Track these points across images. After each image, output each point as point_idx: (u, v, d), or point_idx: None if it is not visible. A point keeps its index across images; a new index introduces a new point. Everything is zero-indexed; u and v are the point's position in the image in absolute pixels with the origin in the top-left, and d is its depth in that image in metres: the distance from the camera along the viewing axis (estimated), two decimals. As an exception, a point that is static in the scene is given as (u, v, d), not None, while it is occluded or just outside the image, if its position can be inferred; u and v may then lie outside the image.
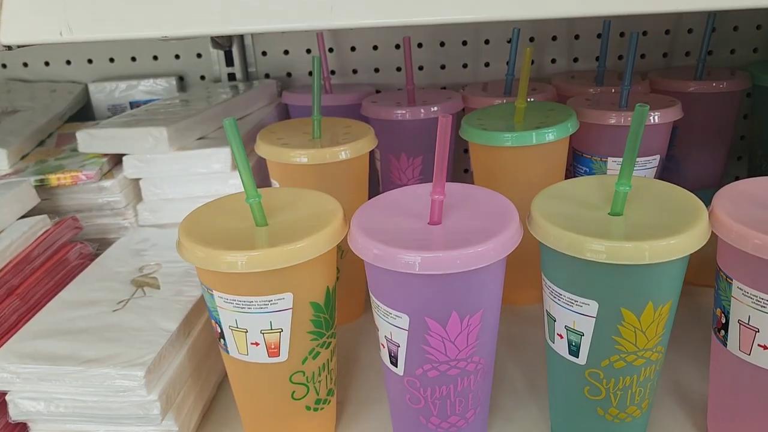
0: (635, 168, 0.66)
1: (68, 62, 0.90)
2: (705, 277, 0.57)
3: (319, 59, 0.62)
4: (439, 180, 0.42)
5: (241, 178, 0.44)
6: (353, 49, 0.88)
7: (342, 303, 0.59)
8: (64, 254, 0.59)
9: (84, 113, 0.89)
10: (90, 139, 0.67)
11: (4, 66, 0.91)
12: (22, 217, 0.60)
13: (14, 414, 0.46)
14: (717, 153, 0.80)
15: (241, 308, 0.43)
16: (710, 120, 0.78)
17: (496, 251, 0.40)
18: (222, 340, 0.45)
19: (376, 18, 0.35)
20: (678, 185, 0.46)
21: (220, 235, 0.43)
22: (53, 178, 0.65)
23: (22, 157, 0.72)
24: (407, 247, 0.40)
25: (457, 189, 0.47)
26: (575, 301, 0.42)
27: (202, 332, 0.53)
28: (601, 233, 0.40)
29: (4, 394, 0.47)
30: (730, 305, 0.42)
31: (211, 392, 0.55)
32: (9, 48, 0.36)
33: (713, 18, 0.77)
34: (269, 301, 0.42)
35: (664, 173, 0.82)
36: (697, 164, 0.80)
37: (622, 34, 0.86)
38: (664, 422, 0.51)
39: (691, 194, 0.44)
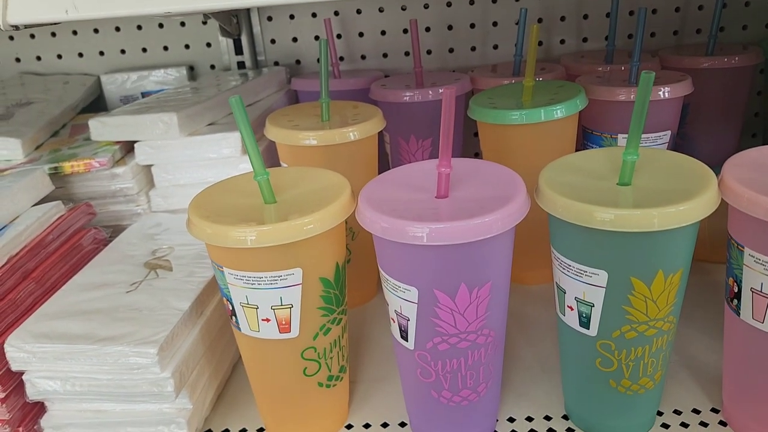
0: (646, 144, 0.67)
1: (80, 54, 0.91)
2: (719, 254, 0.57)
3: (325, 42, 0.62)
4: (445, 153, 0.42)
5: (248, 155, 0.44)
6: (361, 34, 0.88)
7: (354, 285, 0.60)
8: (78, 239, 0.59)
9: (97, 104, 0.90)
10: (102, 127, 0.68)
11: (18, 60, 0.92)
12: (37, 204, 0.60)
13: (31, 393, 0.47)
14: (730, 129, 0.80)
15: (251, 284, 0.43)
16: (722, 96, 0.77)
17: (503, 222, 0.40)
18: (234, 317, 0.46)
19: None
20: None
21: (229, 212, 0.44)
22: (67, 166, 0.66)
23: (37, 147, 0.72)
24: (414, 219, 0.40)
25: (464, 164, 0.47)
26: (584, 271, 0.42)
27: (215, 312, 0.53)
28: (609, 202, 0.40)
29: (21, 374, 0.47)
30: (742, 273, 0.42)
31: (225, 372, 0.56)
32: (16, 28, 0.36)
33: (724, -7, 0.76)
34: (279, 276, 0.43)
35: (677, 150, 0.81)
36: (710, 141, 0.79)
37: (631, 13, 0.86)
38: (679, 394, 0.51)
39: (700, 162, 0.44)
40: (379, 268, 0.44)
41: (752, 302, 0.42)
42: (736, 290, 0.43)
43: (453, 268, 0.41)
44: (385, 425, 0.51)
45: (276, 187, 0.46)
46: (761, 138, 0.89)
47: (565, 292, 0.44)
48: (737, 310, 0.43)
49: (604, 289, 0.42)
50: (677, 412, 0.49)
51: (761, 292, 0.41)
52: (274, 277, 0.43)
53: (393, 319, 0.45)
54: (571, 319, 0.45)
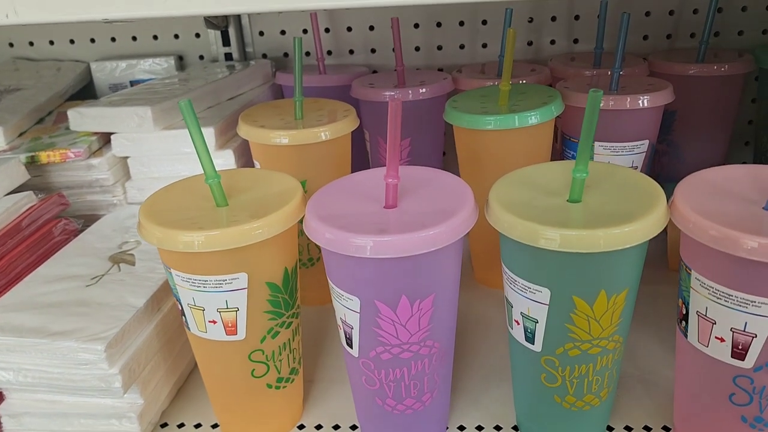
0: (622, 153, 0.66)
1: (72, 41, 0.92)
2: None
3: (299, 41, 0.61)
4: (392, 163, 0.42)
5: (199, 158, 0.44)
6: (349, 29, 0.88)
7: (317, 284, 0.60)
8: (48, 230, 0.60)
9: (86, 92, 0.90)
10: (80, 118, 0.69)
11: (11, 45, 0.93)
12: (11, 192, 0.61)
13: (-13, 382, 0.48)
14: (718, 138, 0.78)
15: (198, 287, 0.43)
16: (712, 104, 0.76)
17: (447, 235, 0.40)
18: (184, 317, 0.46)
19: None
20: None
21: (180, 216, 0.44)
22: (43, 156, 0.66)
23: (21, 134, 0.73)
24: (358, 231, 0.40)
25: (417, 172, 0.47)
26: (529, 287, 0.42)
27: (174, 308, 0.54)
28: (556, 221, 0.39)
29: (-21, 364, 0.48)
30: (689, 296, 0.42)
31: (186, 367, 0.56)
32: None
33: (718, -3, 0.74)
34: (224, 280, 0.43)
35: (664, 158, 0.81)
36: (698, 150, 0.78)
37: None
38: (631, 409, 0.50)
39: (653, 181, 0.43)
40: (327, 277, 0.45)
41: (698, 326, 0.41)
42: (684, 312, 0.43)
43: (393, 280, 0.41)
44: (336, 427, 0.51)
45: (230, 189, 0.46)
46: (753, 146, 0.87)
47: (512, 307, 0.44)
48: (685, 332, 0.43)
49: (548, 306, 0.41)
50: (628, 429, 0.49)
51: (706, 316, 0.41)
52: (219, 281, 0.43)
53: (339, 326, 0.45)
54: (518, 334, 0.45)
